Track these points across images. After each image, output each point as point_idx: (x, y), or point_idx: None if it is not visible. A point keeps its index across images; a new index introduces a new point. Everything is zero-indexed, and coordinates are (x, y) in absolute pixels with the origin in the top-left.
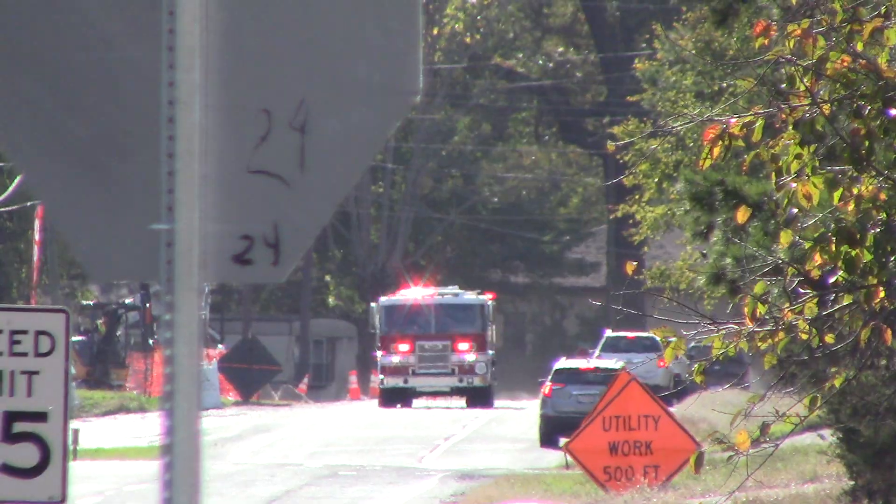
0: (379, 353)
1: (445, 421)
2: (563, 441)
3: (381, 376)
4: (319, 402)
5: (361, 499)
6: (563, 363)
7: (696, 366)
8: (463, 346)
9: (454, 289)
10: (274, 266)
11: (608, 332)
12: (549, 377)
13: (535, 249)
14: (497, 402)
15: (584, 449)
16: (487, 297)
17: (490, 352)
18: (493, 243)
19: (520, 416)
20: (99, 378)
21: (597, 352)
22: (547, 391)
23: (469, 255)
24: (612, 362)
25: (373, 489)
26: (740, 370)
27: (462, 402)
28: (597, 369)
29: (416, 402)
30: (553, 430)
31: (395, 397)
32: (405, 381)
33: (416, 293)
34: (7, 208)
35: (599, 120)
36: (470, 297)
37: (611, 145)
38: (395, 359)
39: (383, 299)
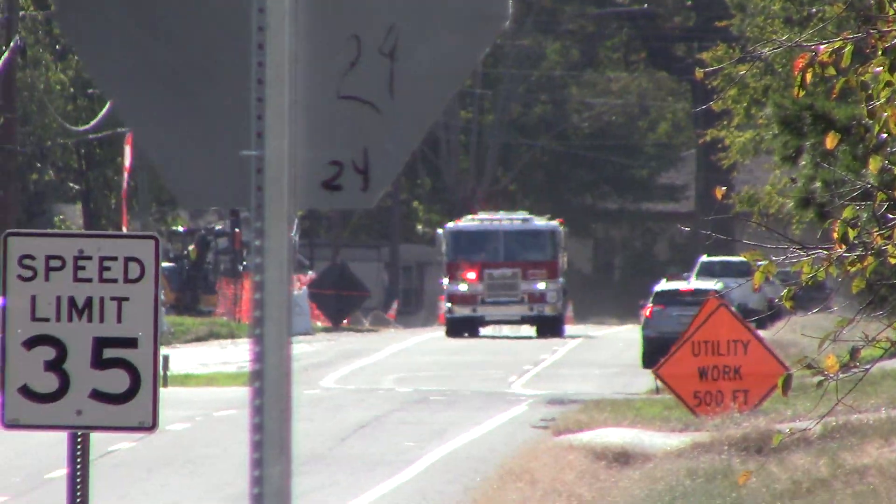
0: (445, 281)
1: (533, 347)
2: None
3: (449, 305)
4: (408, 328)
5: (451, 424)
6: (663, 285)
7: (784, 291)
8: (533, 273)
9: (524, 214)
10: (363, 192)
11: (703, 258)
12: (651, 299)
13: (624, 175)
14: (576, 329)
15: (673, 374)
16: (558, 223)
17: (561, 279)
18: (582, 169)
19: (608, 341)
20: (188, 304)
21: (692, 277)
22: (648, 313)
23: (558, 181)
24: (712, 283)
25: (462, 414)
26: (822, 295)
27: (531, 331)
28: (696, 291)
29: (482, 332)
30: (655, 350)
31: (463, 327)
32: (473, 311)
33: (484, 219)
34: (96, 135)
35: (688, 46)
36: (540, 222)
37: (699, 71)
38: (463, 287)
39: (450, 225)
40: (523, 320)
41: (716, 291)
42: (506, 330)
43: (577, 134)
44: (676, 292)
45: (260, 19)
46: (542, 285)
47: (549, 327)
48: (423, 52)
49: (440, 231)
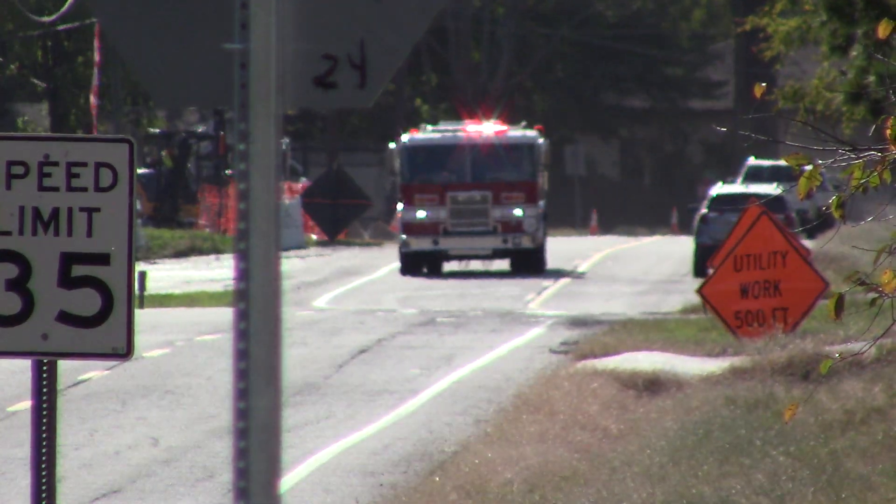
0: (400, 206)
1: (556, 260)
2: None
3: (403, 236)
4: None
5: (461, 348)
6: (720, 189)
7: (833, 199)
8: (508, 197)
9: (495, 123)
10: (360, 89)
11: (751, 160)
12: (706, 203)
13: (654, 69)
14: (595, 243)
15: (716, 293)
16: (537, 133)
17: (541, 203)
18: (606, 62)
19: (636, 255)
20: (167, 215)
21: (738, 181)
22: (703, 218)
23: (580, 76)
24: (773, 188)
25: (473, 337)
26: (868, 207)
27: (504, 266)
28: (757, 195)
29: (447, 267)
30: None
31: (420, 262)
32: (435, 243)
33: (447, 130)
34: (63, 26)
35: None
36: (515, 133)
37: None
38: (422, 214)
39: (405, 137)
40: (495, 254)
41: (776, 196)
42: (474, 265)
43: (601, 23)
44: (735, 196)
45: None
46: (518, 211)
47: (527, 262)
48: None
49: (392, 145)
